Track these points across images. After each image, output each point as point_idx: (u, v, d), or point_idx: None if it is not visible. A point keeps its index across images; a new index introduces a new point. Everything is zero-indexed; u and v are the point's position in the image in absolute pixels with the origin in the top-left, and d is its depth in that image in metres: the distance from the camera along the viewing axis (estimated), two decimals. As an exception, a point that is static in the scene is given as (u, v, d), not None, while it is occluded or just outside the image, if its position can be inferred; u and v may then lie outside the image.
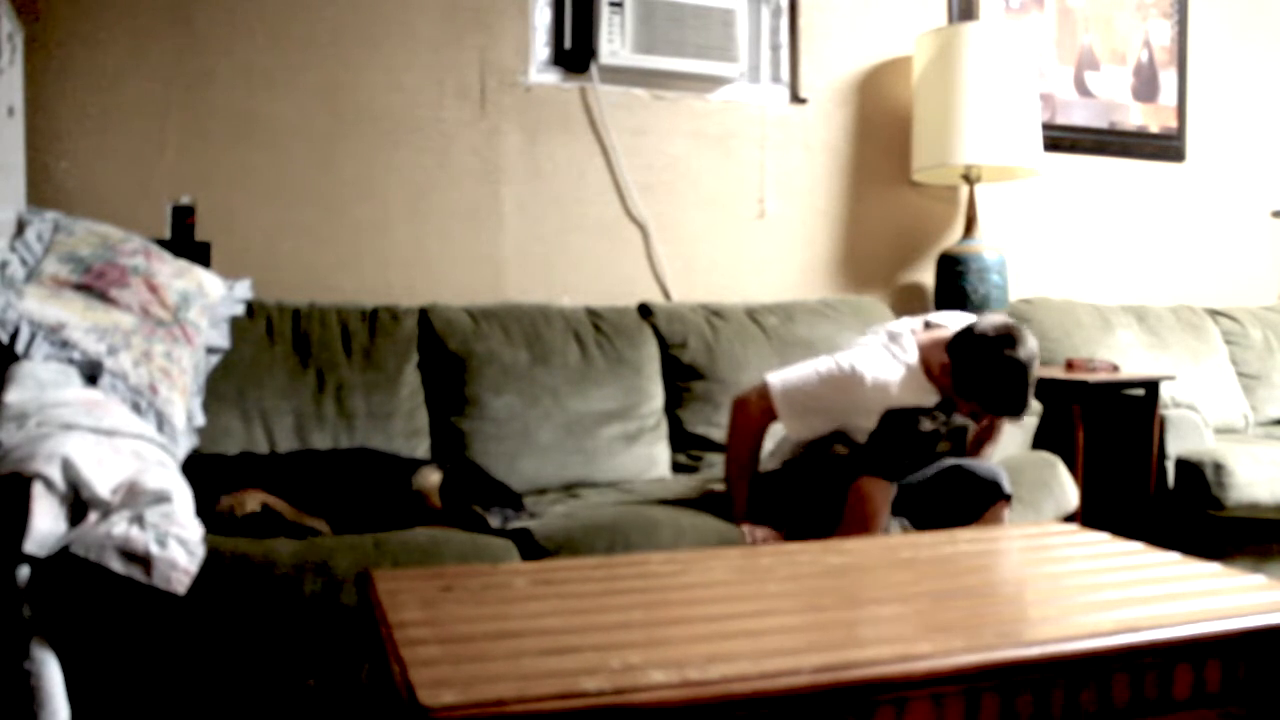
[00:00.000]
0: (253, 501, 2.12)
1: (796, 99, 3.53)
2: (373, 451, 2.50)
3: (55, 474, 1.68)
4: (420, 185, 3.09)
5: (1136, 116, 4.05)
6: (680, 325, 3.07)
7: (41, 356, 2.07)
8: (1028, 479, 2.68)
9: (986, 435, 2.56)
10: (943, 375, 2.28)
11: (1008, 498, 2.38)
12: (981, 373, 2.23)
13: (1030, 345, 2.23)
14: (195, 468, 2.15)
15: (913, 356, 2.31)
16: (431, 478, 2.31)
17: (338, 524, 2.18)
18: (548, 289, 3.18)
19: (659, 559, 1.73)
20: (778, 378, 2.35)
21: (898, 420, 2.25)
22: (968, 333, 2.27)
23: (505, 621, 1.38)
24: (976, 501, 2.37)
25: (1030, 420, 3.00)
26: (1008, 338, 2.21)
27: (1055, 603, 1.55)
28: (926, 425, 2.24)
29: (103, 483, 1.72)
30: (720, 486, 2.53)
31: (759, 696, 1.16)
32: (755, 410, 2.36)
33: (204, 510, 1.99)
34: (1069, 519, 2.74)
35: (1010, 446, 2.84)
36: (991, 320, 2.28)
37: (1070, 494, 2.78)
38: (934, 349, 2.31)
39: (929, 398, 2.30)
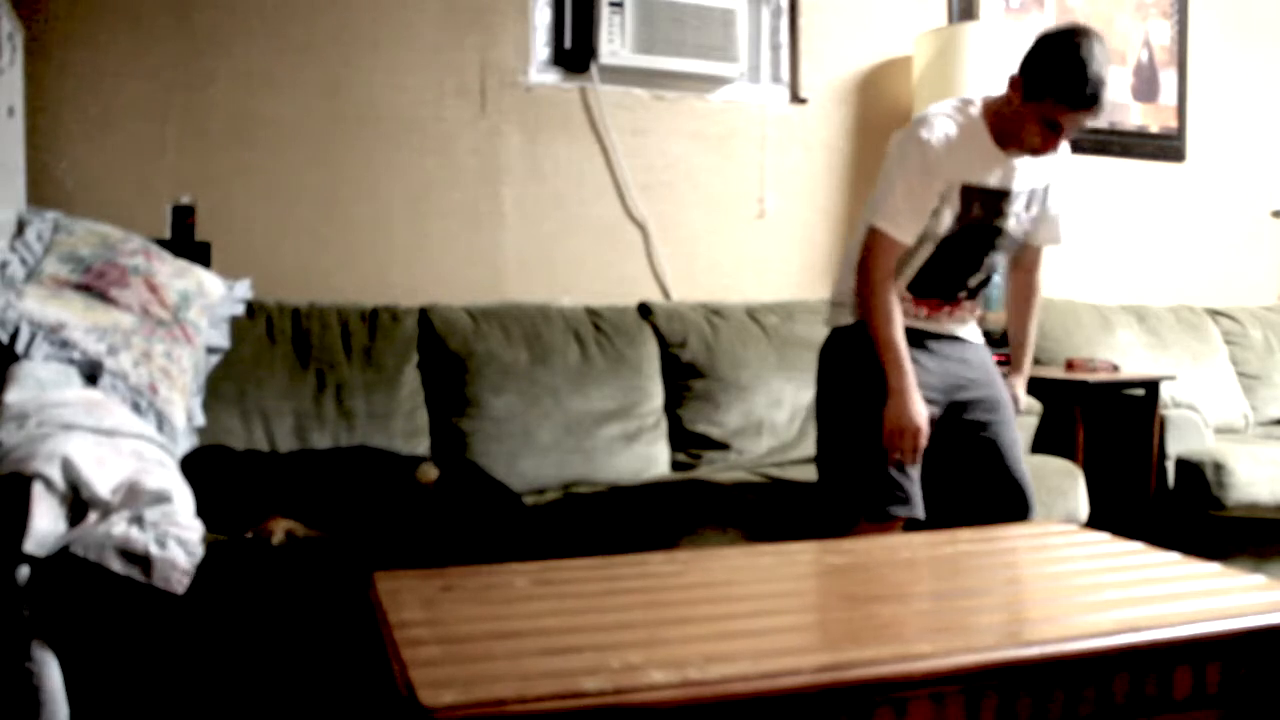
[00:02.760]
0: (279, 532, 2.11)
1: (796, 99, 3.53)
2: (373, 449, 2.49)
3: (55, 474, 1.68)
4: (420, 185, 3.09)
5: (1136, 116, 4.05)
6: (680, 324, 3.07)
7: (41, 356, 2.07)
8: (1046, 485, 2.67)
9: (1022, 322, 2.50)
10: (1012, 90, 2.16)
11: None
12: (1049, 57, 2.11)
13: (1102, 42, 2.12)
14: (200, 461, 2.15)
15: (976, 111, 2.23)
16: (430, 473, 2.32)
17: (344, 521, 2.17)
18: (548, 289, 3.18)
19: (659, 559, 1.73)
20: (879, 218, 2.21)
21: None
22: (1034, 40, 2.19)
23: (505, 621, 1.37)
24: (998, 516, 2.26)
25: (1030, 420, 3.00)
26: (1075, 30, 2.13)
27: (1055, 603, 1.55)
28: None
29: (103, 483, 1.73)
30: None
31: (759, 696, 1.16)
32: (880, 259, 2.22)
33: (221, 520, 1.98)
34: (1074, 527, 2.75)
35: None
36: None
37: (1083, 507, 2.78)
38: (1003, 91, 2.21)
39: (989, 160, 2.22)
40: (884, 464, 2.21)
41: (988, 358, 2.44)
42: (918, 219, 2.21)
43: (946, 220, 2.23)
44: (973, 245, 2.29)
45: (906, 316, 2.29)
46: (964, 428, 2.33)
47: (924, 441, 2.20)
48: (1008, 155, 2.23)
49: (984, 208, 2.24)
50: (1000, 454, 2.33)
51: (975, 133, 2.22)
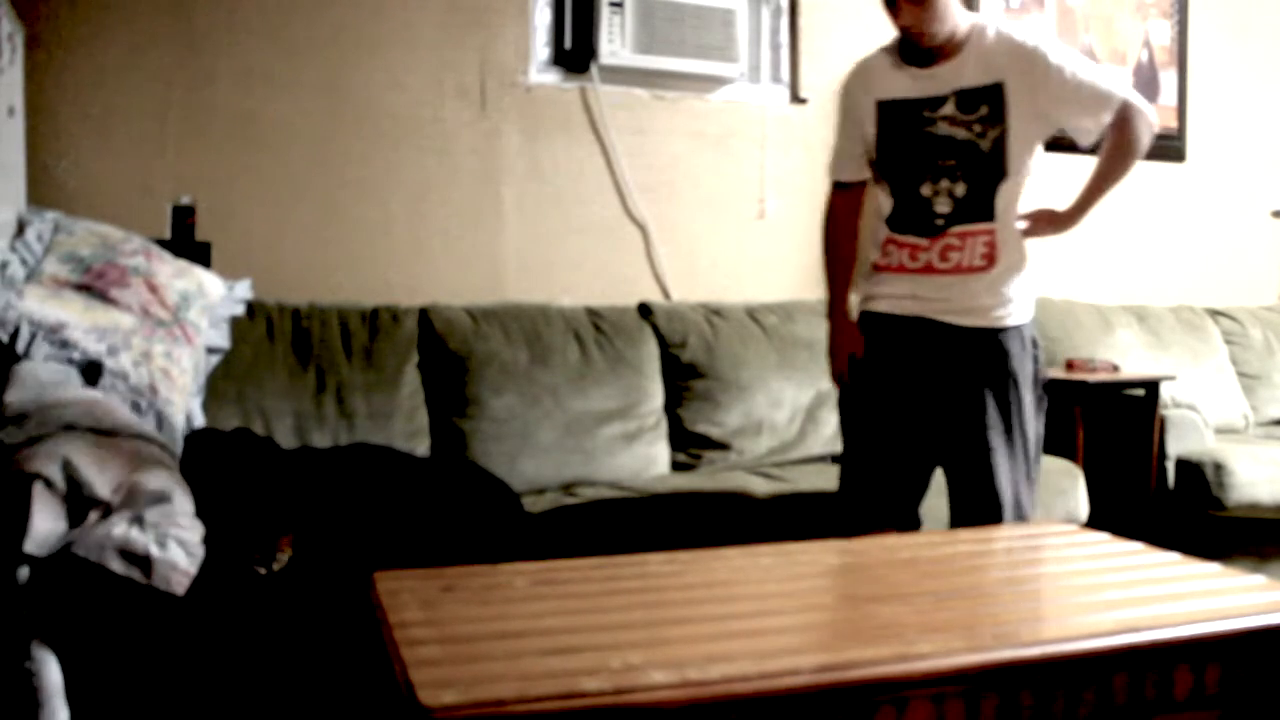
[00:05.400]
0: (284, 553, 2.09)
1: (796, 99, 3.53)
2: (372, 445, 2.49)
3: (55, 474, 1.68)
4: (420, 185, 3.09)
5: (1136, 116, 4.04)
6: (680, 324, 3.07)
7: (41, 356, 2.07)
8: (1046, 485, 2.67)
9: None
10: None
11: None
12: None
13: None
14: (200, 445, 2.15)
15: (886, 45, 2.35)
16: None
17: (343, 507, 2.16)
18: (548, 289, 3.18)
19: (659, 559, 1.73)
20: (828, 171, 2.47)
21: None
22: None
23: (506, 621, 1.37)
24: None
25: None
26: None
27: (1055, 603, 1.55)
28: None
29: (103, 483, 1.72)
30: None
31: (759, 696, 1.16)
32: (831, 204, 2.48)
33: (223, 520, 1.98)
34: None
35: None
36: None
37: (1083, 507, 2.79)
38: None
39: (897, 76, 2.28)
40: (860, 474, 2.30)
41: (982, 354, 2.26)
42: (850, 156, 2.38)
43: (874, 141, 2.32)
44: (911, 159, 2.27)
45: (893, 270, 2.34)
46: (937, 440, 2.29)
47: (843, 365, 2.39)
48: (915, 69, 2.28)
49: (902, 118, 2.27)
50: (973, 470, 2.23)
51: (879, 60, 2.35)
